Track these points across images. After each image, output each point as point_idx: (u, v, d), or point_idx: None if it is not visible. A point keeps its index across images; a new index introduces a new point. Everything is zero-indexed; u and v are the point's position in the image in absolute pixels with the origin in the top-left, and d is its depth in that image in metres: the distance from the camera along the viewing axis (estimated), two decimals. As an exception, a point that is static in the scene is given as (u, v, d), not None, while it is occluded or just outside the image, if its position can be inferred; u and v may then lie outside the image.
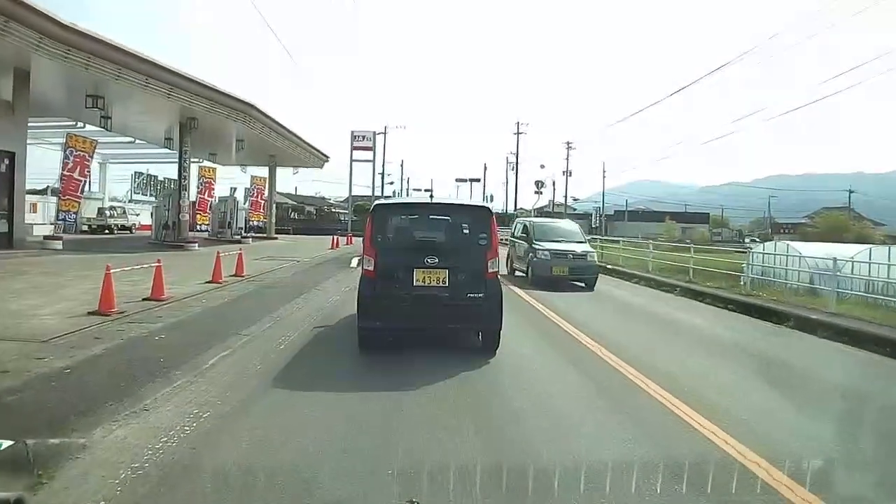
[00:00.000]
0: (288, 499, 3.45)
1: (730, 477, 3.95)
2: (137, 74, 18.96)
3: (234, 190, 42.32)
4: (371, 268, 7.38)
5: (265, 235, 38.09)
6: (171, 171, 55.23)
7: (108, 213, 36.95)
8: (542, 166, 57.25)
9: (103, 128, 25.03)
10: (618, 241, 31.72)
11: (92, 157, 22.46)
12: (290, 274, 16.39)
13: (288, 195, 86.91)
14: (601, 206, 59.36)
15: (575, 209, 73.56)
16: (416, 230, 8.16)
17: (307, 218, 64.42)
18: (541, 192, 54.87)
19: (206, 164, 30.19)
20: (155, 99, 20.99)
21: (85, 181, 22.25)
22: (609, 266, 22.43)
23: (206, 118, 24.55)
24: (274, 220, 39.29)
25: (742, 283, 16.51)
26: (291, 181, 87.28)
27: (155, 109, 23.66)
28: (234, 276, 14.48)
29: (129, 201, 45.18)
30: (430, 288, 7.28)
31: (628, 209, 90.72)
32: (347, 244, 34.00)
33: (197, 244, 24.23)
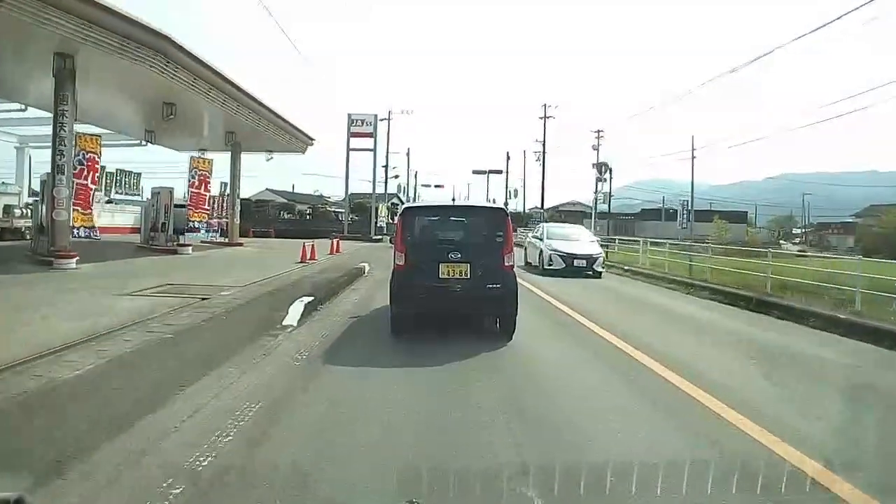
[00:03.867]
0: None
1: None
2: None
3: (224, 186, 32.45)
4: (402, 262, 8.60)
5: (226, 241, 28.87)
6: (122, 157, 43.13)
7: (17, 212, 27.96)
8: (599, 134, 46.88)
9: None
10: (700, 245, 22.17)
11: None
12: (104, 361, 6.00)
13: (283, 192, 78.05)
14: (690, 199, 47.52)
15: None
16: (440, 230, 9.34)
17: (298, 218, 55.12)
18: (604, 179, 44.52)
19: (95, 132, 20.70)
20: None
21: None
22: (721, 287, 13.02)
23: (94, 59, 15.31)
24: (238, 221, 29.91)
25: None
26: (289, 178, 78.71)
27: (9, 43, 14.48)
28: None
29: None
30: (453, 279, 8.36)
31: (649, 208, 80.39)
32: (332, 253, 24.43)
33: (75, 259, 14.96)
